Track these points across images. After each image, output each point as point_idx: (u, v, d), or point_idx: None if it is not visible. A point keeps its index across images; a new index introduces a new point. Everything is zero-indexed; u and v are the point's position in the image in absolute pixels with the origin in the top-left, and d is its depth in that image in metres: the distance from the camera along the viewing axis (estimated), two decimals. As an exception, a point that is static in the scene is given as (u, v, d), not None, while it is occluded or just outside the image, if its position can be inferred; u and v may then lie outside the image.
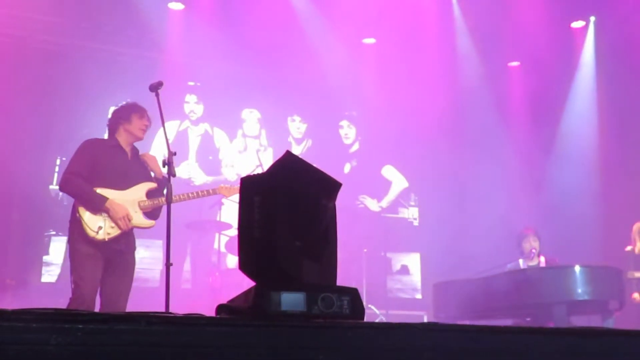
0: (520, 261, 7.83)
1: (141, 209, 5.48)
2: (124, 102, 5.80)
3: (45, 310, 1.79)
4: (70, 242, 5.39)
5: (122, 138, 5.61)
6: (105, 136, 5.81)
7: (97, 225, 5.26)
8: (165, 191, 5.24)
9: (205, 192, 5.85)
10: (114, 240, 5.31)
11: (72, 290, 5.18)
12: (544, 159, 10.75)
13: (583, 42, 10.69)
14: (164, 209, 5.09)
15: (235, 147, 10.65)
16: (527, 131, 10.69)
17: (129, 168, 5.58)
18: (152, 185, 5.61)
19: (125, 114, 5.62)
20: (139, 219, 5.47)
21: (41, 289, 8.51)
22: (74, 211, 5.34)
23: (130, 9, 9.15)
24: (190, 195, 5.68)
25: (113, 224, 5.31)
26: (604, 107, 10.47)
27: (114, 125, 5.64)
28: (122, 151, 5.60)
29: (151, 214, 5.57)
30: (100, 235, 5.25)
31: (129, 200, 5.43)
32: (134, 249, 5.55)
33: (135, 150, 5.73)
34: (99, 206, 5.30)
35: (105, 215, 5.31)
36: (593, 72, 10.67)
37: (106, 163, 5.45)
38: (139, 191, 5.51)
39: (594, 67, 10.65)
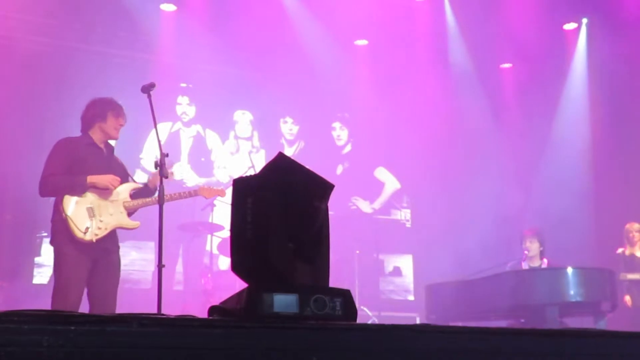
0: None
1: (126, 209, 5.40)
2: (101, 97, 5.53)
3: (38, 311, 1.78)
4: (55, 243, 5.23)
5: (97, 136, 5.43)
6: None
7: (85, 226, 5.14)
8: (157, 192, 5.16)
9: (185, 194, 5.71)
10: (101, 240, 5.21)
11: (54, 294, 5.06)
12: (536, 160, 10.78)
13: (575, 44, 10.72)
14: (157, 210, 4.98)
15: (228, 148, 10.64)
16: (520, 133, 10.71)
17: (107, 166, 5.42)
18: (135, 185, 5.53)
19: (102, 111, 5.40)
20: (124, 219, 5.38)
21: (33, 290, 8.47)
22: (58, 210, 5.18)
23: (122, 10, 9.12)
24: (173, 196, 5.51)
25: (100, 225, 5.20)
26: (596, 109, 10.51)
27: (89, 121, 5.43)
28: (98, 149, 5.44)
29: (132, 214, 5.50)
30: (88, 236, 5.13)
31: (114, 200, 5.36)
32: (118, 248, 5.45)
33: (109, 148, 5.57)
34: (82, 186, 5.19)
35: (93, 207, 5.19)
36: (585, 74, 10.71)
37: (84, 162, 5.30)
38: (123, 192, 5.41)
39: (586, 69, 10.68)
